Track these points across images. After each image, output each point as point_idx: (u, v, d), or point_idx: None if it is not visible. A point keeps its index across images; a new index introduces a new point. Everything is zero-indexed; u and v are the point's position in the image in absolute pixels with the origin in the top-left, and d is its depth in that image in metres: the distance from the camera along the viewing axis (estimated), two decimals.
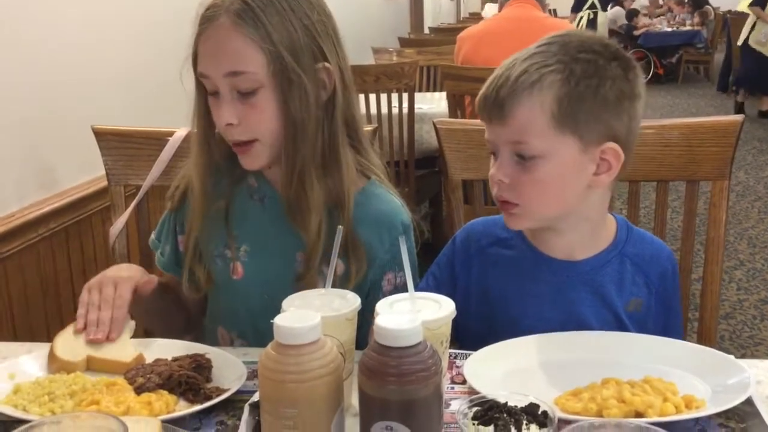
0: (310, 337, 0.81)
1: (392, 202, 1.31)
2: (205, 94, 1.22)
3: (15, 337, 1.69)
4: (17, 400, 1.01)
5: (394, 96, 3.45)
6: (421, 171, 3.70)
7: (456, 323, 1.00)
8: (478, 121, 1.75)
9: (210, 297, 1.36)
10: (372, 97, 3.44)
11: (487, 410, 0.88)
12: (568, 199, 1.16)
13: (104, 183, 1.69)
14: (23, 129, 1.79)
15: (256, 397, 0.97)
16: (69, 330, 1.17)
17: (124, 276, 1.20)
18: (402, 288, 1.29)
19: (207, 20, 1.17)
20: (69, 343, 1.14)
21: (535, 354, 1.11)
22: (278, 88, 1.18)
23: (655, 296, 1.22)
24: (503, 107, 1.11)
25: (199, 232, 1.29)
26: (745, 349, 3.05)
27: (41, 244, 1.79)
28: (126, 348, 1.14)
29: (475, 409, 0.89)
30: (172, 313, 1.40)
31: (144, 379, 1.04)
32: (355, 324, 1.00)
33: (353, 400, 0.99)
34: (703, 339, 1.46)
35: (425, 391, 0.79)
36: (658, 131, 1.49)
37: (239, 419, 1.00)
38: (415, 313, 0.84)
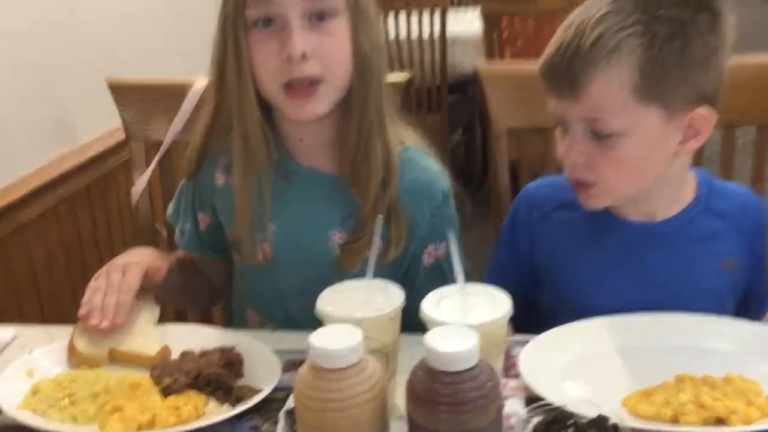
0: (351, 358, 0.72)
1: (431, 168, 1.18)
2: (235, 37, 1.04)
3: (40, 306, 1.63)
4: (36, 404, 0.94)
5: (425, 17, 3.26)
6: (454, 96, 3.54)
7: (518, 304, 0.90)
8: (521, 64, 1.63)
9: (236, 276, 1.26)
10: (402, 18, 3.25)
11: (550, 423, 0.79)
12: (651, 173, 1.04)
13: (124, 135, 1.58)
14: (34, 77, 1.68)
15: (291, 402, 0.89)
16: None
17: (133, 261, 1.10)
18: (443, 260, 1.19)
19: None
20: (90, 335, 1.06)
21: (602, 340, 1.00)
22: (352, 18, 1.05)
23: (749, 253, 1.10)
24: (575, 81, 0.97)
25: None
26: None
27: (62, 206, 1.70)
28: (150, 339, 1.06)
29: (535, 420, 0.80)
30: (196, 290, 1.31)
31: (171, 379, 0.96)
32: (399, 322, 0.91)
33: (398, 400, 0.91)
34: None
35: (483, 420, 0.70)
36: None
37: (274, 422, 0.92)
38: (467, 333, 0.72)
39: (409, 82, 1.47)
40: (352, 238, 1.12)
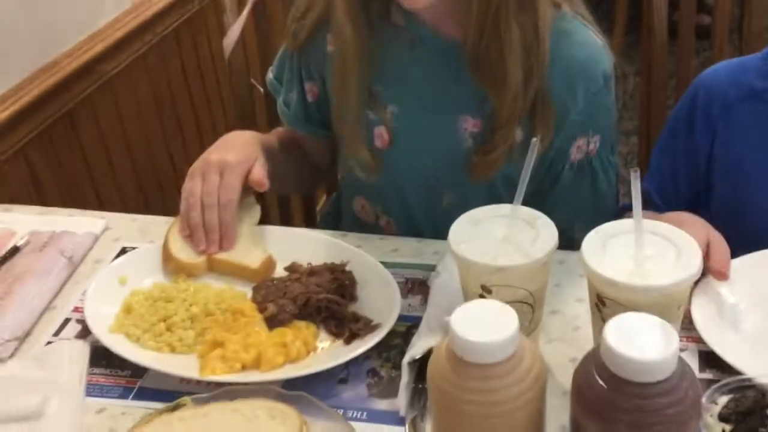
0: (505, 352, 0.56)
1: (591, 43, 0.96)
2: None
3: (134, 166, 1.52)
4: (129, 327, 0.84)
5: None
6: None
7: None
8: None
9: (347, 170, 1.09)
10: None
11: (746, 414, 0.64)
12: None
13: None
14: None
15: (418, 348, 0.76)
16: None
17: (232, 161, 0.94)
18: (594, 156, 0.99)
19: None
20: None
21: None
22: None
23: None
24: None
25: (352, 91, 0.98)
26: None
27: (150, 53, 1.55)
28: (253, 247, 0.93)
29: (724, 398, 0.65)
30: (300, 174, 1.16)
31: (276, 307, 0.83)
32: (550, 267, 0.74)
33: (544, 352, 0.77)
34: None
35: None
36: None
37: (394, 366, 0.80)
38: (663, 329, 0.53)
39: None
40: (488, 144, 0.94)
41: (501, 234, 0.73)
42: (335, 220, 1.19)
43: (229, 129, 1.23)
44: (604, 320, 0.72)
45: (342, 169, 1.12)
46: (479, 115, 0.96)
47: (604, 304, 0.70)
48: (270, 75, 1.12)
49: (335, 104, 1.01)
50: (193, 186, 0.94)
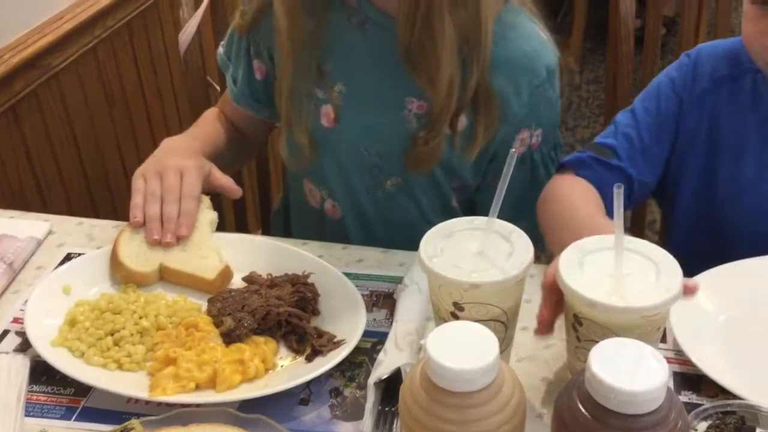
0: (483, 380, 0.52)
1: (535, 37, 0.96)
2: None
3: (81, 165, 1.45)
4: (73, 341, 0.78)
5: None
6: None
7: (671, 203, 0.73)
8: None
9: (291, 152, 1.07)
10: None
11: None
12: None
13: None
14: None
15: (384, 368, 0.71)
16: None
17: (190, 165, 0.91)
18: (536, 150, 0.99)
19: None
20: (137, 245, 0.88)
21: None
22: None
23: None
24: None
25: (292, 70, 0.98)
26: None
27: (100, 46, 1.47)
28: (208, 256, 0.88)
29: (703, 425, 0.63)
30: (241, 159, 1.18)
31: (233, 321, 0.78)
32: (524, 283, 0.70)
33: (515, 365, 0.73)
34: None
35: None
36: None
37: (358, 386, 0.75)
38: (654, 359, 0.50)
39: None
40: (427, 132, 0.94)
41: (475, 248, 0.70)
42: (285, 215, 1.18)
43: (183, 128, 1.18)
44: (579, 339, 0.69)
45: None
46: (424, 98, 0.95)
47: (580, 324, 0.67)
48: (220, 50, 1.11)
49: (282, 81, 0.99)
50: (152, 185, 0.89)
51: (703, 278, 0.80)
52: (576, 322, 0.67)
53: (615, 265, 0.66)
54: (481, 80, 0.92)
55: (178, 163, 0.91)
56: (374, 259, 0.93)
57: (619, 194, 0.64)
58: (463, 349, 0.53)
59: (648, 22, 1.28)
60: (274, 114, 1.06)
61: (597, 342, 0.54)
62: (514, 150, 0.69)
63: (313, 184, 1.07)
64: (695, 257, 0.76)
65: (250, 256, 0.90)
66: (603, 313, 0.64)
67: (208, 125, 1.11)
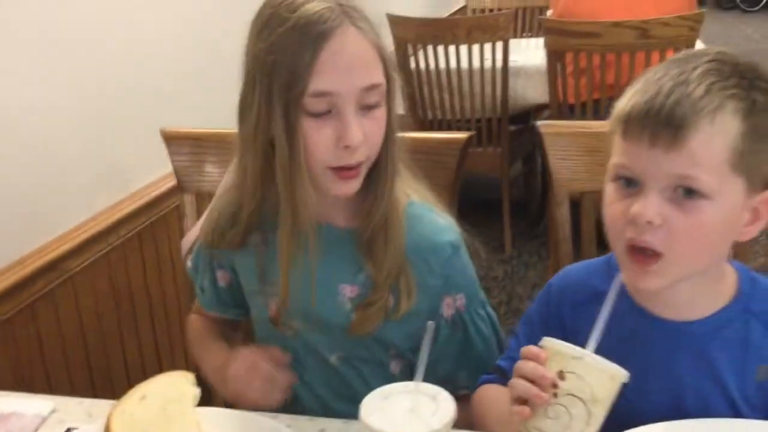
0: None
1: (436, 222, 1.15)
2: (290, 122, 1.03)
3: (86, 354, 1.61)
4: None
5: (487, 46, 3.18)
6: (515, 127, 3.45)
7: None
8: (587, 123, 1.54)
9: (256, 335, 1.25)
10: (463, 49, 3.19)
11: None
12: (718, 252, 0.95)
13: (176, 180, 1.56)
14: (87, 130, 1.67)
15: None
16: (130, 400, 1.04)
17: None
18: (464, 312, 1.16)
19: (327, 32, 1.01)
20: (128, 418, 1.02)
21: None
22: (388, 100, 1.08)
23: None
24: (679, 129, 0.87)
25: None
26: None
27: (113, 253, 1.69)
28: (190, 428, 1.01)
29: None
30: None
31: None
32: None
33: None
34: None
35: None
36: None
37: None
38: None
39: (469, 140, 1.41)
40: (367, 300, 1.11)
41: (407, 406, 0.84)
42: None
43: (182, 322, 1.35)
44: None
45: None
46: (356, 283, 1.12)
47: None
48: (188, 264, 1.29)
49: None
50: None
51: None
52: None
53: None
54: (400, 256, 1.11)
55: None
56: (335, 429, 1.05)
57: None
58: None
59: (582, 226, 1.48)
60: (241, 314, 1.25)
61: None
62: (431, 322, 0.86)
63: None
64: None
65: (226, 427, 1.03)
66: None
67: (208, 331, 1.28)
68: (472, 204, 4.05)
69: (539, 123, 1.42)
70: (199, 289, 1.27)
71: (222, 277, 1.24)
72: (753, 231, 0.95)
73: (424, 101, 3.38)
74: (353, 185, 1.07)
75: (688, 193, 0.89)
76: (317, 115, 1.02)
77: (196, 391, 1.07)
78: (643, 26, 2.74)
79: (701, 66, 0.90)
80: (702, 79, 0.89)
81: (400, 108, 3.66)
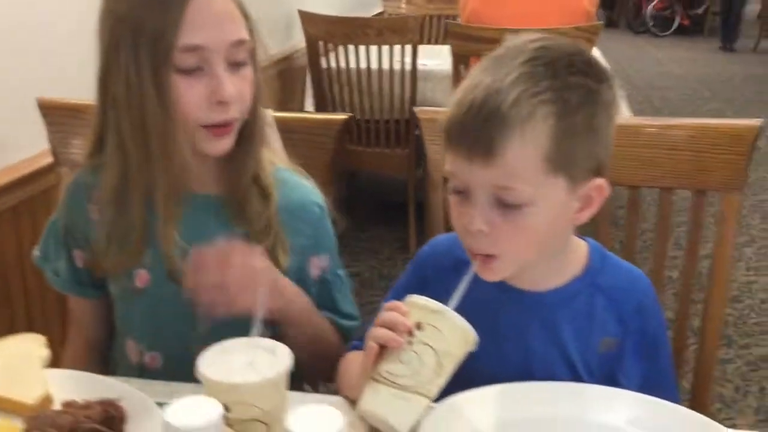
0: None
1: (303, 184, 1.21)
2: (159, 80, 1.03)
3: None
4: None
5: (397, 49, 3.23)
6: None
7: None
8: None
9: (115, 309, 1.23)
10: (373, 49, 3.23)
11: None
12: (552, 243, 1.02)
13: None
14: None
15: None
16: None
17: None
18: (328, 272, 1.22)
19: None
20: None
21: (487, 413, 0.96)
22: (253, 60, 1.12)
23: (632, 336, 1.05)
24: (491, 145, 0.92)
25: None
26: (749, 338, 2.90)
27: None
28: (33, 386, 1.00)
29: None
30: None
31: None
32: (284, 386, 0.85)
33: None
34: (698, 385, 1.30)
35: None
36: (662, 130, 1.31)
37: None
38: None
39: (348, 120, 1.45)
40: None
41: (243, 359, 0.85)
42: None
43: (59, 298, 1.30)
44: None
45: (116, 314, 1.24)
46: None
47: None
48: (36, 253, 1.26)
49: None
50: None
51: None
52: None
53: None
54: (272, 216, 1.14)
55: None
56: (189, 391, 1.05)
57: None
58: (195, 413, 0.67)
59: None
60: (98, 295, 1.23)
61: None
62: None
63: (134, 342, 1.20)
64: None
65: (74, 388, 1.01)
66: None
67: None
68: (378, 204, 4.13)
69: (416, 109, 1.46)
70: (53, 274, 1.24)
71: (79, 257, 1.22)
72: (586, 215, 1.00)
73: (334, 100, 3.41)
74: (226, 142, 1.09)
75: (509, 202, 0.94)
76: (188, 72, 1.04)
77: (45, 352, 1.06)
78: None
79: (514, 71, 0.93)
80: (513, 87, 0.92)
81: (309, 106, 3.65)
